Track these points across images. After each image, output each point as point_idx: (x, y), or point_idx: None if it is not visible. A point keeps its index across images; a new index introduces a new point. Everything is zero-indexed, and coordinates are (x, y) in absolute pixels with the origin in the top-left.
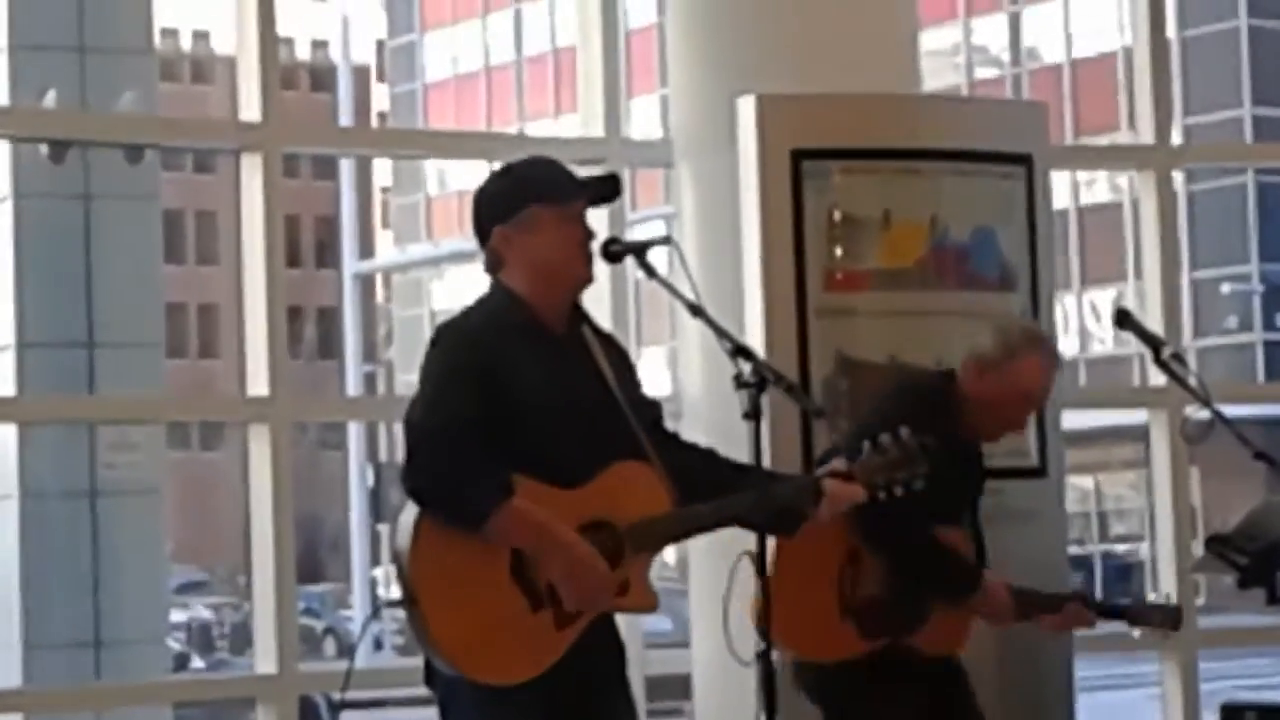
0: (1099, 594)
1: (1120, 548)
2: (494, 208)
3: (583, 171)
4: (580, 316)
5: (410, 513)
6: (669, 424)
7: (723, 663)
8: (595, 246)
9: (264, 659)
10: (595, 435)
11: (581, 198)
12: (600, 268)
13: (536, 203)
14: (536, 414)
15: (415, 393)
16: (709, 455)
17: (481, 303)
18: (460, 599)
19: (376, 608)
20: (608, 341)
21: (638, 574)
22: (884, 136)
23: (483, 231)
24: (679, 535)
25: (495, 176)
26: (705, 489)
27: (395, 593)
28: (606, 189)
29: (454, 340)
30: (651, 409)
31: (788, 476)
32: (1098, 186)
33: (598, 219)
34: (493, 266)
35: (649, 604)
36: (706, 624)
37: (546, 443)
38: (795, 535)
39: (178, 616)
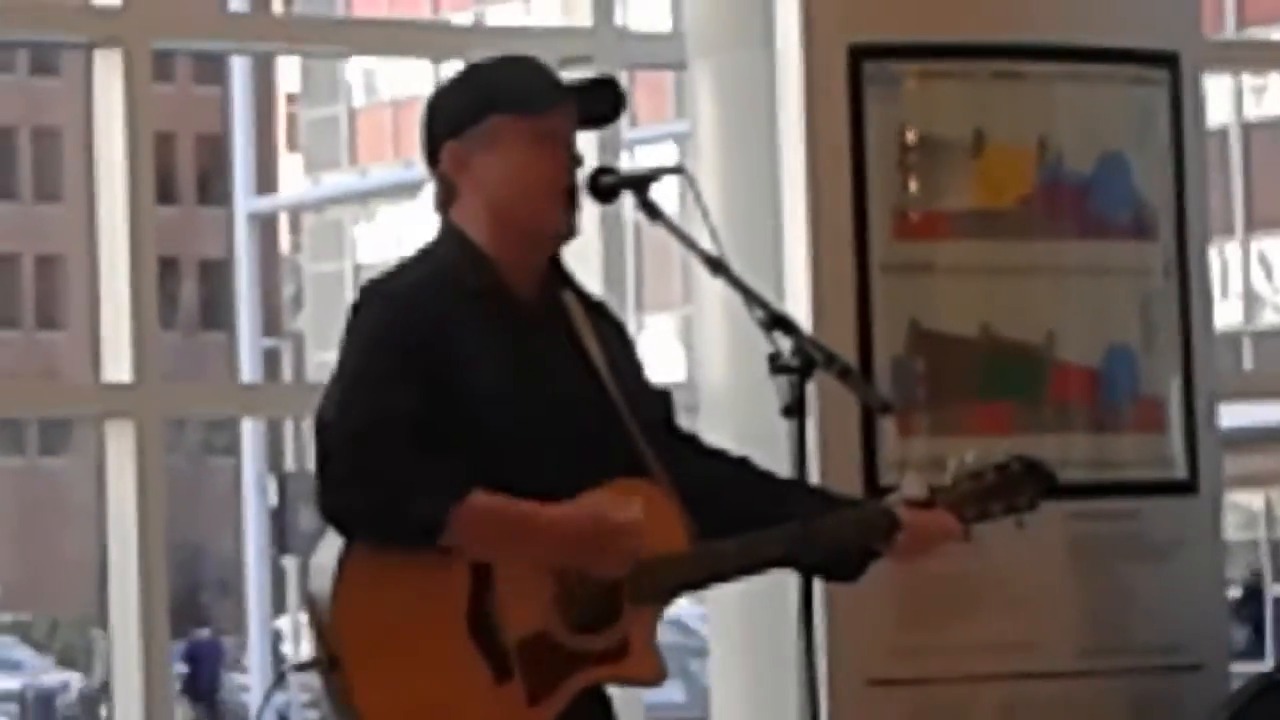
0: (1272, 651)
1: None
2: (446, 118)
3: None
4: (561, 278)
5: (331, 546)
6: (683, 423)
7: None
8: (582, 180)
9: None
10: (580, 442)
11: (564, 108)
12: (588, 209)
13: (499, 112)
14: (497, 411)
15: (330, 379)
16: (740, 466)
17: (425, 254)
18: (400, 663)
19: (282, 673)
20: (598, 313)
21: (640, 633)
22: (976, 27)
23: (433, 152)
24: (696, 583)
25: (453, 80)
26: (734, 515)
27: (308, 651)
28: (603, 99)
29: (383, 306)
30: (658, 403)
31: (845, 500)
32: (1270, 95)
33: (587, 142)
34: (443, 199)
35: (654, 673)
36: (732, 693)
37: (512, 452)
38: (858, 580)
39: (7, 684)
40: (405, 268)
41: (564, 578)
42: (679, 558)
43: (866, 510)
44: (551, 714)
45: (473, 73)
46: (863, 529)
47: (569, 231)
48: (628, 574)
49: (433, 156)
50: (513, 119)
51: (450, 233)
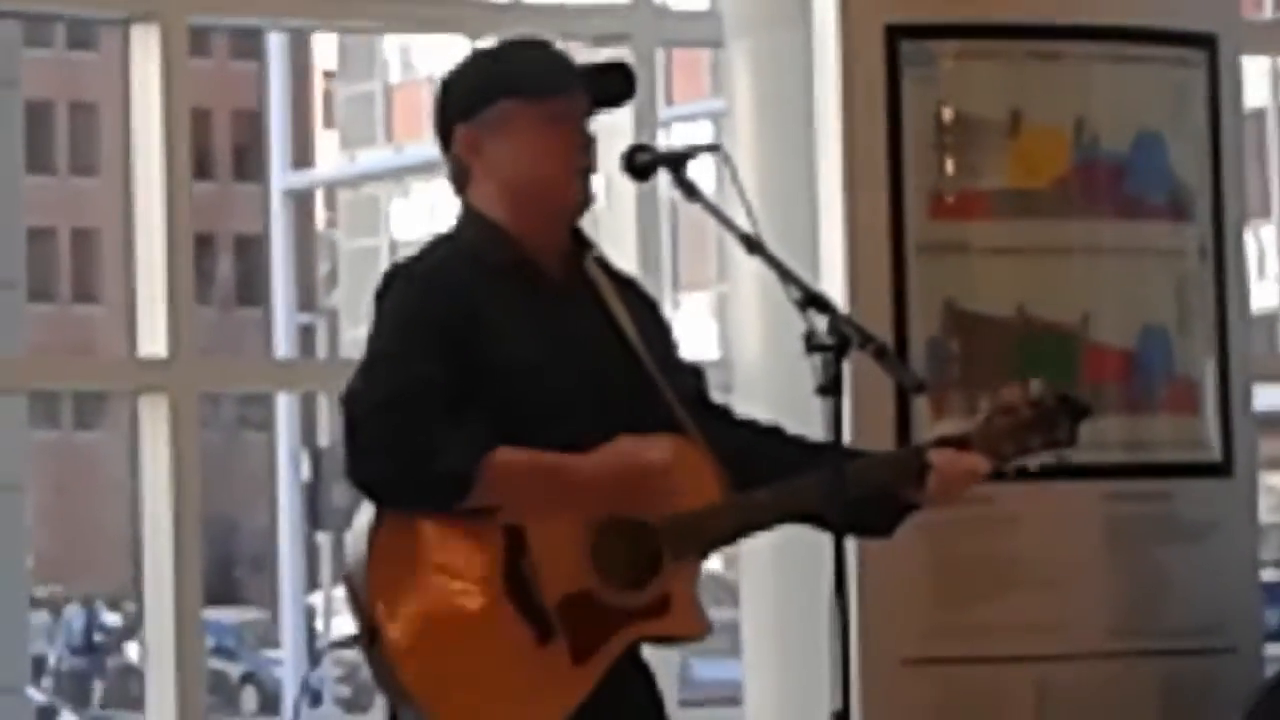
0: None
1: None
2: (458, 102)
3: (601, 54)
4: (584, 250)
5: (365, 515)
6: (715, 397)
7: None
8: (598, 159)
9: (158, 715)
10: (613, 413)
11: (573, 92)
12: (625, 186)
13: (510, 95)
14: (528, 385)
15: (360, 360)
16: (772, 434)
17: (448, 236)
18: (440, 632)
19: (319, 653)
20: (626, 286)
21: (681, 588)
22: (1013, 7)
23: (445, 134)
24: (734, 533)
25: (464, 62)
26: (769, 480)
27: (342, 626)
28: (612, 83)
29: (410, 286)
30: (690, 377)
31: (878, 453)
32: None
33: (613, 123)
34: (458, 180)
35: (697, 628)
36: (766, 673)
37: (544, 425)
38: (892, 535)
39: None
40: (430, 249)
41: (599, 535)
42: (715, 510)
43: (898, 451)
44: (597, 672)
45: (484, 55)
46: (895, 470)
47: (585, 201)
48: (664, 528)
49: (445, 139)
50: (523, 103)
51: (470, 214)
